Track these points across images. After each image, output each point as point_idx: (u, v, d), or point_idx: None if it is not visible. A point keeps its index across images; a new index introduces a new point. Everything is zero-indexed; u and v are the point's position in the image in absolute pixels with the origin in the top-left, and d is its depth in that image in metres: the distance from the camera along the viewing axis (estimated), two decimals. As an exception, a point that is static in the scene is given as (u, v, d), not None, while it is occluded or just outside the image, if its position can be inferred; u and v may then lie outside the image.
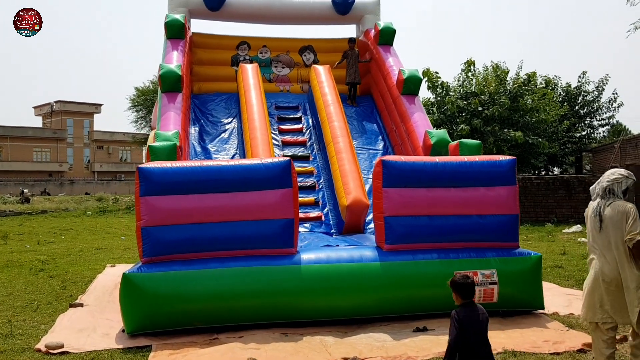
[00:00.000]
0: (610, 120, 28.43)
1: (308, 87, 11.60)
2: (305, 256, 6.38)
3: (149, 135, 39.65)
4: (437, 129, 9.13)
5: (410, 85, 9.93)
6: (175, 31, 10.47)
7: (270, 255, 6.33)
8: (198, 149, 9.93)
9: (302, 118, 10.86)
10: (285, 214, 6.35)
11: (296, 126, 10.63)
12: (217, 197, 6.25)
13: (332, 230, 8.79)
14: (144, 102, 38.89)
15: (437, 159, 6.75)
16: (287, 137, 10.35)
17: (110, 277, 9.43)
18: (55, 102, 71.09)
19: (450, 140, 8.71)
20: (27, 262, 11.62)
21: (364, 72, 11.63)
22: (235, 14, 11.68)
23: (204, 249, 6.21)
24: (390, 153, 10.34)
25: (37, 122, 74.15)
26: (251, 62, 11.55)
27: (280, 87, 11.82)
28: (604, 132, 30.25)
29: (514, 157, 6.84)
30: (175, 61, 9.83)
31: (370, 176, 9.56)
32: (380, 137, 10.65)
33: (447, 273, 6.16)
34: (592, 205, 4.66)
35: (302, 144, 10.30)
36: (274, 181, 6.34)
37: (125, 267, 9.59)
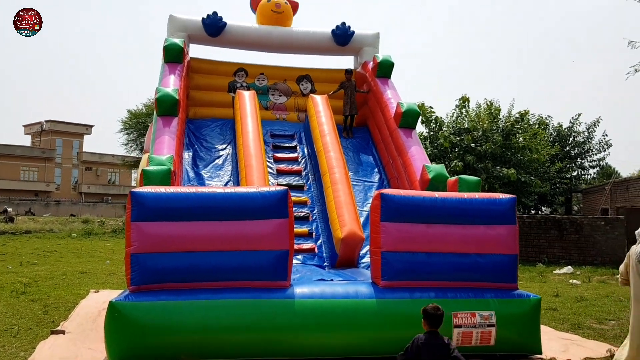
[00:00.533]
0: (601, 162, 28.64)
1: (304, 116, 11.52)
2: (299, 290, 6.17)
3: (139, 158, 39.45)
4: (434, 164, 9.03)
5: (408, 119, 9.87)
6: (173, 55, 10.38)
7: (263, 288, 6.11)
8: (191, 174, 9.75)
9: (298, 147, 10.74)
10: (280, 245, 6.15)
11: (291, 155, 10.51)
12: (211, 225, 6.05)
13: (325, 263, 8.59)
14: (135, 125, 38.78)
15: (436, 194, 6.62)
16: (282, 166, 10.20)
17: (94, 303, 9.13)
18: (46, 121, 70.76)
19: (448, 175, 8.61)
20: (9, 284, 11.27)
21: (361, 103, 11.58)
22: (234, 40, 11.63)
23: (194, 279, 5.99)
24: (386, 186, 10.22)
25: (27, 140, 73.65)
26: (248, 89, 11.47)
27: (276, 115, 11.72)
28: (593, 173, 30.46)
29: (514, 196, 6.73)
30: (172, 85, 9.71)
31: (365, 209, 9.44)
32: (376, 170, 10.54)
33: (444, 313, 6.01)
34: (636, 249, 4.53)
35: (297, 173, 10.15)
36: (270, 211, 6.16)
37: (109, 293, 9.32)
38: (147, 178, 6.97)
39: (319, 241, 9.00)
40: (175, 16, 11.27)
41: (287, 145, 10.76)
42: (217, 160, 10.21)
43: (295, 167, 10.23)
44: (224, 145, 10.58)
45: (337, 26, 11.69)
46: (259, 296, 6.01)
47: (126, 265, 5.92)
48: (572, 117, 28.56)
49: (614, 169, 39.48)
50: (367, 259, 8.72)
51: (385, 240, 6.34)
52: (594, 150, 28.56)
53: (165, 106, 9.11)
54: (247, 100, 10.33)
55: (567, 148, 28.50)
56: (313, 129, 10.11)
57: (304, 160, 10.45)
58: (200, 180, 9.61)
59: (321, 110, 10.31)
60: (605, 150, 28.14)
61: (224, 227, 6.07)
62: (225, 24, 11.32)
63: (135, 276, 5.84)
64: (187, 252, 5.96)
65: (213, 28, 11.24)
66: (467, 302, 6.31)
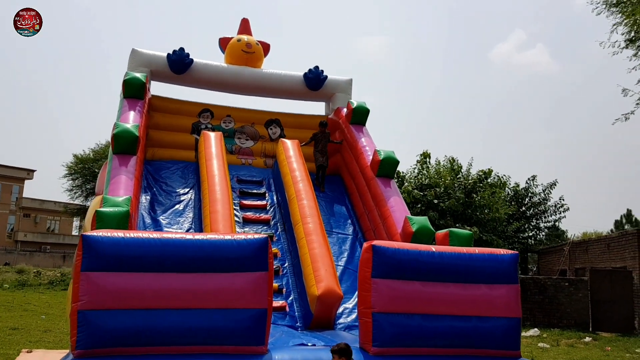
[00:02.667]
0: (557, 223, 28.87)
1: (272, 162, 10.79)
2: (278, 357, 5.26)
3: (82, 205, 37.46)
4: (415, 216, 8.36)
5: (386, 167, 9.26)
6: (134, 90, 9.55)
7: (236, 354, 5.18)
8: (148, 220, 8.77)
9: (267, 194, 9.93)
10: (258, 303, 5.27)
11: (260, 202, 9.68)
12: (177, 277, 5.14)
13: (297, 324, 7.67)
14: (81, 170, 37.06)
15: (433, 247, 5.91)
16: (249, 214, 9.34)
17: (26, 367, 7.86)
18: (-15, 164, 67.30)
19: (432, 228, 7.96)
20: None
21: (332, 152, 10.96)
22: (200, 80, 10.92)
23: (155, 342, 5.01)
24: (360, 238, 9.49)
25: (-39, 184, 69.63)
26: (213, 130, 10.68)
27: (242, 160, 10.92)
28: (542, 235, 30.60)
29: (516, 252, 6.10)
30: (132, 121, 8.85)
31: (340, 263, 8.66)
32: (349, 221, 9.82)
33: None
34: None
35: (266, 222, 9.30)
36: (247, 262, 5.30)
37: (44, 355, 8.10)
38: (101, 220, 6.01)
39: (290, 298, 8.10)
40: (138, 50, 10.50)
41: (255, 191, 9.94)
42: (177, 206, 9.27)
43: (264, 216, 9.39)
44: (186, 190, 9.67)
45: (310, 70, 11.17)
46: (232, 364, 5.07)
47: (71, 325, 4.90)
48: (529, 178, 28.89)
49: (563, 230, 40.09)
50: (343, 319, 7.88)
51: (376, 300, 5.54)
52: (549, 211, 28.82)
53: (123, 143, 8.21)
54: (213, 141, 9.53)
55: (523, 208, 28.66)
56: (284, 175, 9.36)
57: (272, 208, 9.63)
58: (158, 227, 8.64)
59: (292, 156, 9.59)
60: (561, 213, 28.42)
61: (192, 281, 5.17)
62: (192, 61, 10.62)
63: (82, 338, 4.82)
64: (147, 309, 5.01)
65: (179, 65, 10.52)
66: (468, 373, 5.53)
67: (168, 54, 10.52)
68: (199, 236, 5.37)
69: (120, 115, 9.16)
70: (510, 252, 6.05)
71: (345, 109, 10.98)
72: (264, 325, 5.27)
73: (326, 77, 11.24)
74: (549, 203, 28.50)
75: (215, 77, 10.86)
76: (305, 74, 11.15)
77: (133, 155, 8.33)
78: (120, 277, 5.00)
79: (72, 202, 41.25)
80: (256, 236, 5.44)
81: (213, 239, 5.34)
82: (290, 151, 9.69)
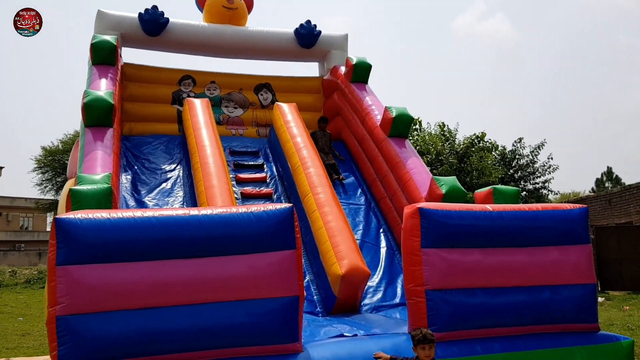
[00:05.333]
0: (546, 184, 28.22)
1: (266, 132, 9.62)
2: (317, 354, 4.18)
3: (55, 200, 35.79)
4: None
5: (399, 125, 8.14)
6: (104, 55, 8.24)
7: (263, 356, 4.09)
8: (131, 202, 7.57)
9: (265, 165, 8.77)
10: (287, 289, 4.18)
11: (258, 175, 8.51)
12: (182, 265, 4.01)
13: (317, 309, 6.61)
14: (51, 163, 35.29)
15: (488, 207, 4.86)
16: (248, 188, 8.18)
17: (1, 383, 6.67)
18: (-50, 164, 64.56)
19: (464, 189, 6.91)
20: None
21: (332, 116, 9.84)
22: (178, 42, 9.61)
23: (158, 350, 3.90)
24: (374, 208, 8.43)
25: None
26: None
27: (232, 131, 9.71)
28: (526, 196, 29.90)
29: (585, 206, 5.09)
30: (105, 88, 7.59)
31: (356, 237, 7.60)
32: (359, 190, 8.72)
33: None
34: None
35: (267, 196, 8.16)
36: (271, 239, 4.20)
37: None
38: (78, 201, 4.80)
39: (305, 280, 7.01)
40: (105, 12, 9.14)
41: (251, 163, 8.76)
42: (164, 184, 8.07)
43: (265, 190, 8.24)
44: (172, 166, 8.45)
45: (302, 25, 9.95)
46: (260, 370, 3.98)
47: (50, 334, 3.75)
48: (515, 141, 28.12)
49: (542, 194, 39.50)
50: (368, 300, 6.85)
51: (430, 275, 4.49)
52: (537, 173, 28.15)
53: (96, 113, 6.96)
54: (199, 108, 8.32)
55: (511, 171, 27.95)
56: (284, 142, 8.21)
57: (273, 180, 8.49)
58: (144, 210, 7.43)
59: (291, 120, 8.44)
60: (550, 173, 27.77)
61: (201, 268, 4.05)
62: (167, 20, 9.30)
63: (65, 352, 3.69)
64: (146, 308, 3.89)
65: (153, 25, 9.19)
66: (546, 355, 4.56)
67: (140, 14, 9.18)
68: (206, 211, 4.22)
69: (89, 84, 7.87)
70: (577, 205, 5.04)
71: (342, 67, 9.82)
72: (296, 316, 4.20)
73: (320, 32, 10.03)
74: (536, 165, 27.85)
75: (194, 39, 9.56)
76: (296, 30, 9.93)
77: (109, 128, 7.09)
78: (108, 269, 3.86)
79: (43, 197, 39.50)
80: (279, 206, 4.32)
81: (225, 213, 4.21)
82: (289, 115, 8.54)
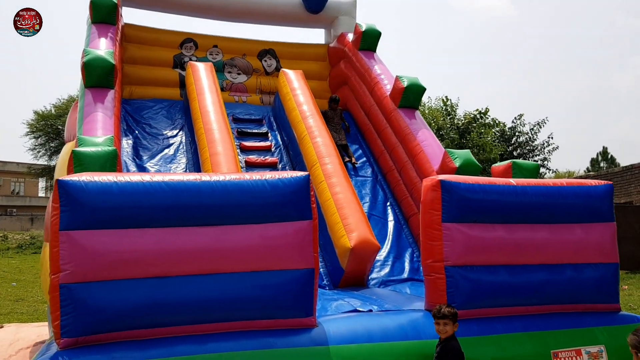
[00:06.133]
0: (545, 162, 28.07)
1: (270, 99, 9.33)
2: (333, 329, 3.99)
3: (48, 165, 35.37)
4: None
5: (410, 96, 7.87)
6: (104, 13, 7.89)
7: (278, 330, 3.90)
8: (132, 168, 7.31)
9: (269, 134, 8.50)
10: (302, 261, 3.97)
11: (263, 143, 8.24)
12: (193, 233, 3.79)
13: (324, 282, 6.43)
14: (43, 127, 34.71)
15: (512, 181, 4.64)
16: (252, 157, 7.92)
17: (-3, 348, 6.49)
18: (-61, 126, 63.73)
19: (478, 163, 6.68)
20: None
21: (339, 85, 9.55)
22: (180, 3, 9.25)
23: (168, 322, 3.70)
24: (381, 180, 8.21)
25: None
26: (200, 63, 9.10)
27: (235, 97, 9.40)
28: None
29: (610, 182, 4.88)
30: (105, 48, 7.26)
31: (365, 209, 7.39)
32: (367, 162, 8.48)
33: (539, 354, 4.07)
34: None
35: (272, 165, 7.91)
36: (285, 209, 3.98)
37: (17, 329, 6.75)
38: (81, 164, 4.55)
39: (312, 252, 6.81)
40: (104, -32, 8.74)
41: (255, 131, 8.48)
42: (166, 150, 7.80)
43: (270, 159, 7.98)
44: (175, 132, 8.17)
45: (309, -11, 9.58)
46: (273, 344, 3.79)
47: (52, 304, 3.53)
48: (515, 117, 27.87)
49: (541, 173, 39.47)
50: (376, 274, 6.67)
51: (450, 251, 4.29)
52: (536, 151, 27.98)
53: (97, 73, 6.66)
54: (202, 72, 8.01)
55: (510, 148, 27.75)
56: (289, 110, 7.94)
57: (278, 149, 8.24)
58: (146, 176, 7.18)
59: (297, 87, 8.15)
60: (550, 153, 27.62)
61: (213, 237, 3.83)
62: (169, -21, 8.94)
63: (69, 322, 3.47)
64: (155, 277, 3.67)
65: (154, -16, 8.83)
66: (567, 335, 4.40)
67: (141, -29, 8.82)
68: (218, 177, 3.97)
69: (88, 43, 7.53)
70: (602, 182, 4.84)
71: (350, 34, 9.49)
72: (311, 290, 3.99)
73: (327, -4, 9.68)
74: (535, 142, 27.66)
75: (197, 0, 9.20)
76: (303, -6, 9.57)
77: (110, 89, 6.80)
78: (115, 235, 3.63)
79: (35, 162, 39.03)
80: (294, 174, 4.08)
81: (239, 180, 3.96)
82: (295, 82, 8.25)
